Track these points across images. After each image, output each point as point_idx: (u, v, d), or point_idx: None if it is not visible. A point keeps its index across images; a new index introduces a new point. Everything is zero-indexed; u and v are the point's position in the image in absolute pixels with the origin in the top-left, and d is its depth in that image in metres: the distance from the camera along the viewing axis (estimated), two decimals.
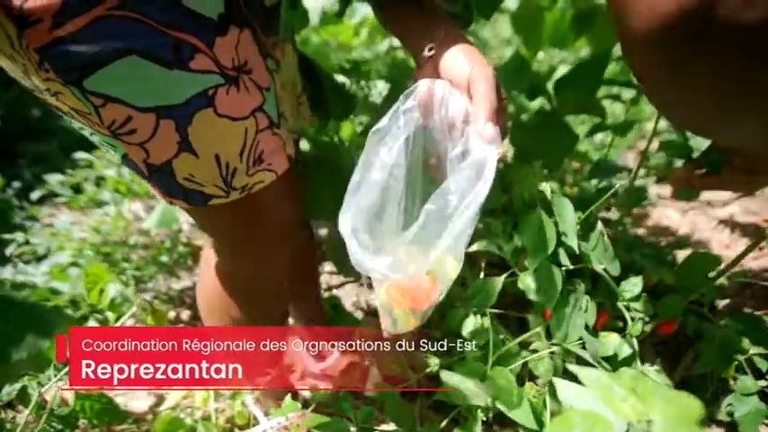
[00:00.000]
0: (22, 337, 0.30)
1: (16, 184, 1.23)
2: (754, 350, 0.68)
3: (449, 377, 0.53)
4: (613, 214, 1.33)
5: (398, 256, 0.38)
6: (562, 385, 0.30)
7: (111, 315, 0.58)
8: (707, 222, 1.51)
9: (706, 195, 1.67)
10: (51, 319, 0.33)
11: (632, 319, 0.72)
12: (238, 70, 0.40)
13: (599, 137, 1.78)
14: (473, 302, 0.58)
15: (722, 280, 0.96)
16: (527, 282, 0.58)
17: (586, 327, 0.63)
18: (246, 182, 0.45)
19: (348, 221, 0.37)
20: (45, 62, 0.34)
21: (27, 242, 0.98)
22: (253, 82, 0.42)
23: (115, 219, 0.97)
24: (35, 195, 1.09)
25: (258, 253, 0.54)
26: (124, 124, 0.38)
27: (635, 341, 0.61)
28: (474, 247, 0.61)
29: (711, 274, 0.66)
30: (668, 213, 1.57)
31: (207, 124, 0.40)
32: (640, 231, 1.41)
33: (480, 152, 0.36)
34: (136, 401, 0.88)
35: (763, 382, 0.67)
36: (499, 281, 0.59)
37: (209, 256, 0.57)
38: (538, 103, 0.95)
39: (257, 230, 0.52)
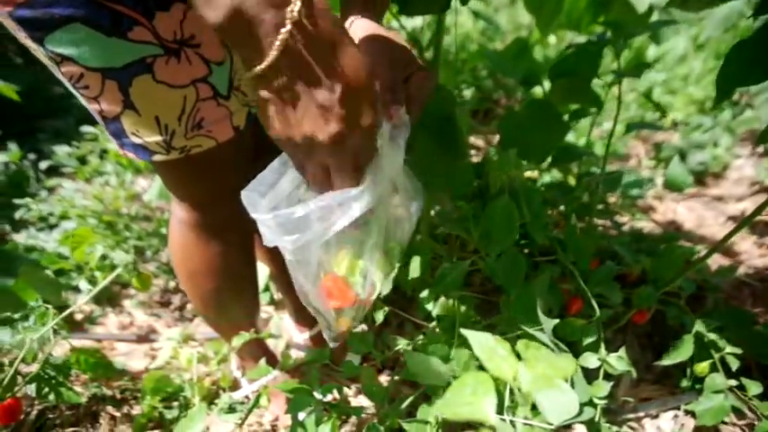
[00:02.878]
0: None
1: (32, 157, 1.32)
2: (729, 349, 0.68)
3: (413, 357, 0.55)
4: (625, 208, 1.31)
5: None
6: (470, 334, 0.32)
7: (99, 275, 0.63)
8: (715, 218, 1.47)
9: (719, 191, 1.62)
10: (16, 262, 0.37)
11: (605, 306, 0.73)
12: (181, 43, 0.43)
13: (606, 126, 1.73)
14: (439, 286, 0.60)
15: (715, 277, 0.94)
16: (493, 266, 0.59)
17: (551, 311, 0.64)
18: (185, 144, 0.49)
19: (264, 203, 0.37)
20: (17, 24, 0.40)
21: (32, 208, 1.05)
22: (198, 55, 0.45)
23: (116, 189, 1.03)
24: (44, 165, 1.16)
25: (203, 210, 0.58)
26: (79, 80, 0.43)
27: (599, 328, 0.61)
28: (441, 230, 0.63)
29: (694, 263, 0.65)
30: (675, 207, 1.53)
31: (146, 88, 0.44)
32: (641, 224, 1.38)
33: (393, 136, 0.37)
34: (133, 361, 0.94)
35: (734, 381, 0.67)
36: (465, 264, 0.60)
37: (173, 209, 0.62)
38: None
39: (198, 189, 0.56)
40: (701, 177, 1.63)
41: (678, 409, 0.80)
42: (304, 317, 0.93)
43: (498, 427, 0.26)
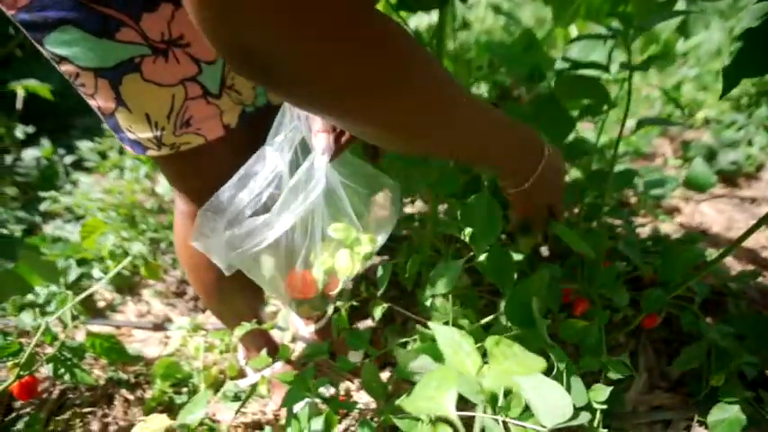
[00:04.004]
0: None
1: (62, 152, 1.40)
2: (747, 358, 0.64)
3: (403, 355, 0.55)
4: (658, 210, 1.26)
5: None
6: (436, 328, 0.32)
7: (111, 263, 0.66)
8: (746, 221, 1.38)
9: (752, 192, 1.53)
10: (16, 247, 0.40)
11: (615, 309, 0.70)
12: (169, 43, 0.45)
13: (630, 123, 1.66)
14: (434, 285, 0.60)
15: (736, 282, 0.89)
16: (484, 264, 0.58)
17: (550, 312, 0.62)
18: (174, 141, 0.50)
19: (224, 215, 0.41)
20: (20, 26, 0.42)
21: (59, 201, 1.12)
22: (187, 54, 0.46)
23: (130, 182, 1.08)
24: (68, 160, 1.24)
25: (202, 202, 0.59)
26: (76, 78, 0.45)
27: (602, 330, 0.59)
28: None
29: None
30: (702, 209, 1.45)
31: (135, 87, 0.46)
32: (664, 226, 1.32)
33: (313, 159, 0.41)
34: (149, 348, 0.99)
35: (751, 392, 0.64)
36: (460, 263, 0.60)
37: (175, 201, 0.64)
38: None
39: (195, 183, 0.58)
40: (732, 177, 1.54)
41: (692, 420, 0.77)
42: None
43: (457, 424, 0.26)
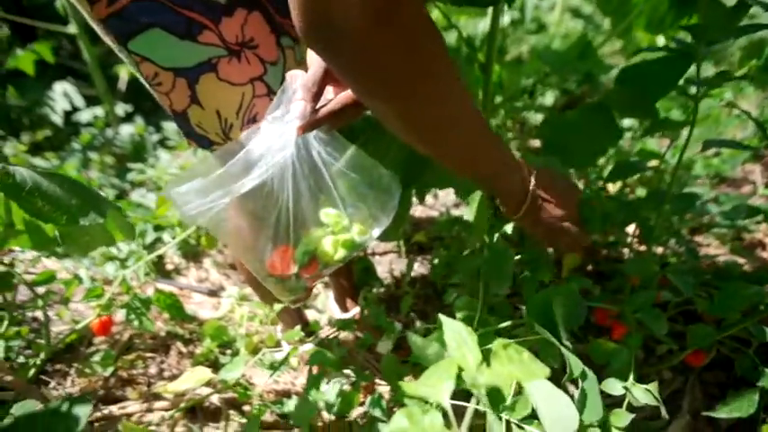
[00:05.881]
0: (86, 211, 0.44)
1: (151, 129, 1.59)
2: None
3: (414, 340, 0.56)
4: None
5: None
6: (445, 321, 0.34)
7: (178, 231, 0.76)
8: None
9: None
10: (105, 204, 0.47)
11: (656, 340, 0.65)
12: (242, 45, 0.49)
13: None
14: (457, 279, 0.61)
15: None
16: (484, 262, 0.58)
17: (576, 329, 0.60)
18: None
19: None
20: (106, 29, 0.48)
21: (145, 172, 1.29)
22: (256, 56, 0.51)
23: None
24: (155, 138, 1.41)
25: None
26: (154, 78, 0.51)
27: (631, 353, 0.57)
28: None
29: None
30: None
31: (210, 85, 0.50)
32: (739, 261, 1.19)
33: (285, 124, 0.43)
34: (203, 310, 1.10)
35: None
36: (478, 259, 0.59)
37: None
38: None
39: None
40: None
41: None
42: (345, 301, 1.00)
43: (449, 412, 0.28)
